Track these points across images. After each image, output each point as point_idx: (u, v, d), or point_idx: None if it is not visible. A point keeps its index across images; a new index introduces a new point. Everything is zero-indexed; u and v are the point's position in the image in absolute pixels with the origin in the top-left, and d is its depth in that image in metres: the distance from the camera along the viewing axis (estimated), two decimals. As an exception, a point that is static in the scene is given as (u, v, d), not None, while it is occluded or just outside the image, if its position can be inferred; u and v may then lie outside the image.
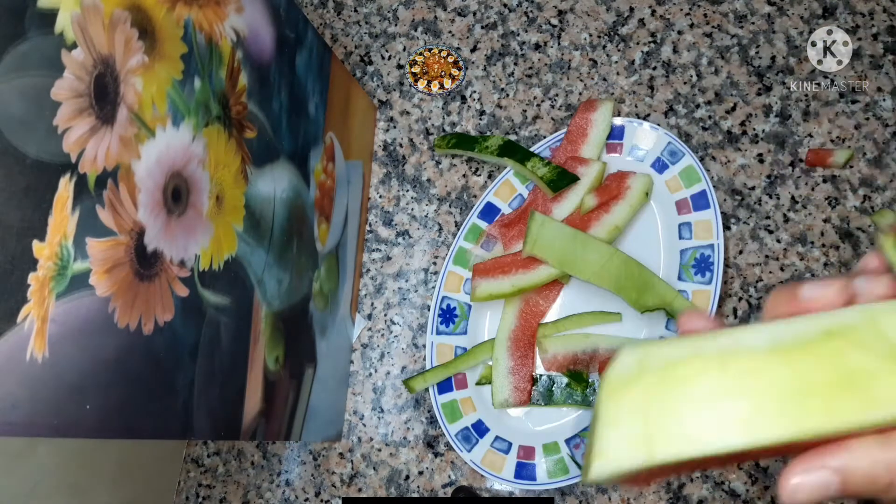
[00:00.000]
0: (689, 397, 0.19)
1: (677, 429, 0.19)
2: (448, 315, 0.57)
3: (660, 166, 0.54)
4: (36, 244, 0.26)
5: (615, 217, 0.53)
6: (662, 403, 0.20)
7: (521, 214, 0.57)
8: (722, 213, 0.53)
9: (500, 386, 0.53)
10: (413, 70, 0.65)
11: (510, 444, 0.52)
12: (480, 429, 0.54)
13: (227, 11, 0.39)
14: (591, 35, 0.61)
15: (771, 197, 0.54)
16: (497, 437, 0.53)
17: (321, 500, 0.58)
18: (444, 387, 0.55)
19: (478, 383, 0.55)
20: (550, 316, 0.55)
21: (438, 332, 0.57)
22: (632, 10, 0.61)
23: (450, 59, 0.64)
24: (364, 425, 0.59)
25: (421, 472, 0.57)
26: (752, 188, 0.54)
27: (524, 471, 0.51)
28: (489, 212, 0.58)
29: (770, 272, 0.53)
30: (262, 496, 0.60)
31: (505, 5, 0.64)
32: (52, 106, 0.27)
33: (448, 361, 0.55)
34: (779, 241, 0.53)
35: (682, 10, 0.59)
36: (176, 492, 0.62)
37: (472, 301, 0.55)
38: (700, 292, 0.50)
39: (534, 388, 0.53)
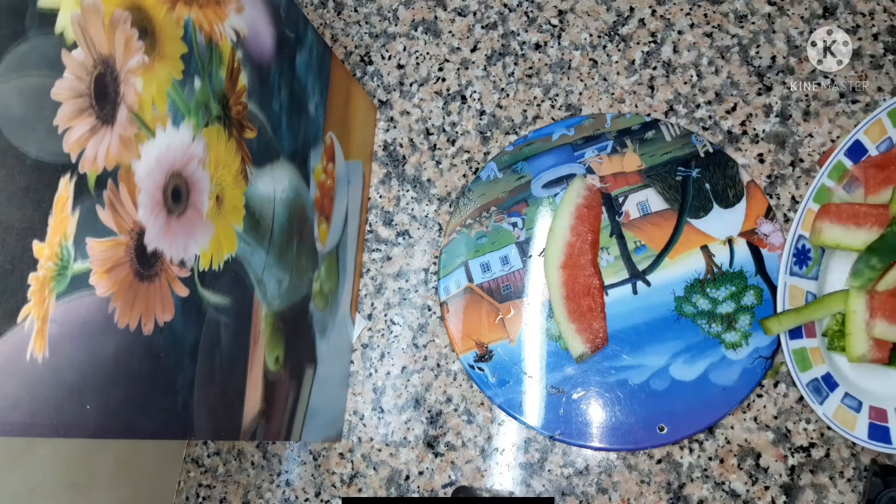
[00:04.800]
0: None
1: None
2: (802, 256, 0.52)
3: None
4: (36, 244, 0.26)
5: None
6: None
7: (893, 158, 0.50)
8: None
9: (857, 339, 0.48)
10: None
11: (860, 403, 0.48)
12: (830, 382, 0.49)
13: (227, 11, 0.39)
14: (591, 35, 0.61)
15: (771, 197, 0.54)
16: (847, 394, 0.49)
17: (321, 500, 0.58)
18: (795, 332, 0.51)
19: (824, 334, 0.51)
20: None
21: (791, 273, 0.52)
22: (632, 10, 0.61)
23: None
24: (364, 425, 0.59)
25: (421, 472, 0.57)
26: (753, 188, 0.54)
27: (877, 432, 0.47)
28: (856, 151, 0.51)
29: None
30: (262, 496, 0.60)
31: (505, 5, 0.64)
32: (52, 106, 0.27)
33: (801, 307, 0.50)
34: (779, 241, 0.53)
35: (682, 10, 0.59)
36: (176, 492, 0.62)
37: (812, 243, 0.50)
38: None
39: None
